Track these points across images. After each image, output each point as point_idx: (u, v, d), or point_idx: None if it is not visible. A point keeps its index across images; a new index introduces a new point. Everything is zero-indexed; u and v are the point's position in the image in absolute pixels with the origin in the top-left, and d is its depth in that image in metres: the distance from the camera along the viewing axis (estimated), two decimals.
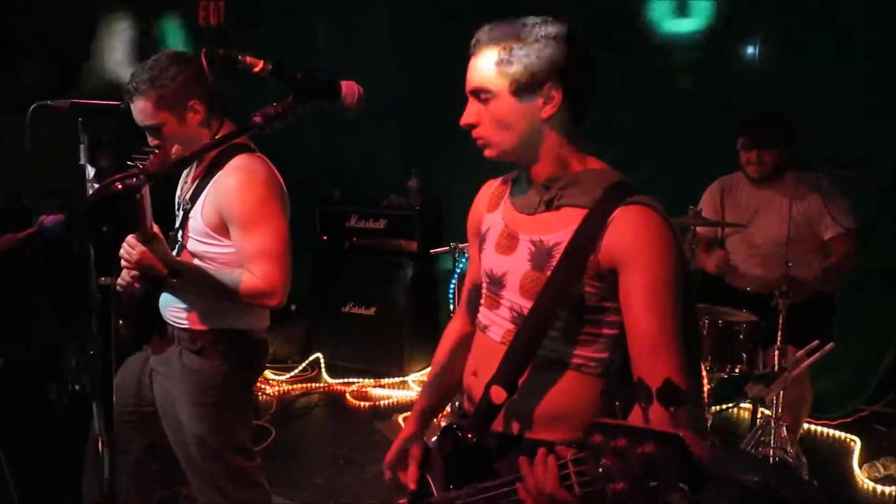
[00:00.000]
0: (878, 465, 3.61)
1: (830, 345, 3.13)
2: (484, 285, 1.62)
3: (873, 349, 4.19)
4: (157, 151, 2.10)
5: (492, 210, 1.64)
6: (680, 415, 1.18)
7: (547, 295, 1.45)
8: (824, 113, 3.99)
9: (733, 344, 3.32)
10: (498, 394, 1.45)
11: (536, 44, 1.42)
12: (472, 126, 1.51)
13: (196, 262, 2.19)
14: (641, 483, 0.97)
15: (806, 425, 3.91)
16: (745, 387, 3.25)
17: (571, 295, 1.44)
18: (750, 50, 4.42)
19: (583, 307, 1.45)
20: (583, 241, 1.42)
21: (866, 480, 3.56)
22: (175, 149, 1.96)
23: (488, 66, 1.45)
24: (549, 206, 1.49)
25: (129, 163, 2.10)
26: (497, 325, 1.55)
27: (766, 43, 4.34)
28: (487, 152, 1.52)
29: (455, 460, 1.55)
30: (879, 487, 3.49)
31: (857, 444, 3.93)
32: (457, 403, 3.38)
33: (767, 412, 3.35)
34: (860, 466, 3.68)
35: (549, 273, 1.45)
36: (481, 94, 1.47)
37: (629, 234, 1.40)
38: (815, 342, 3.14)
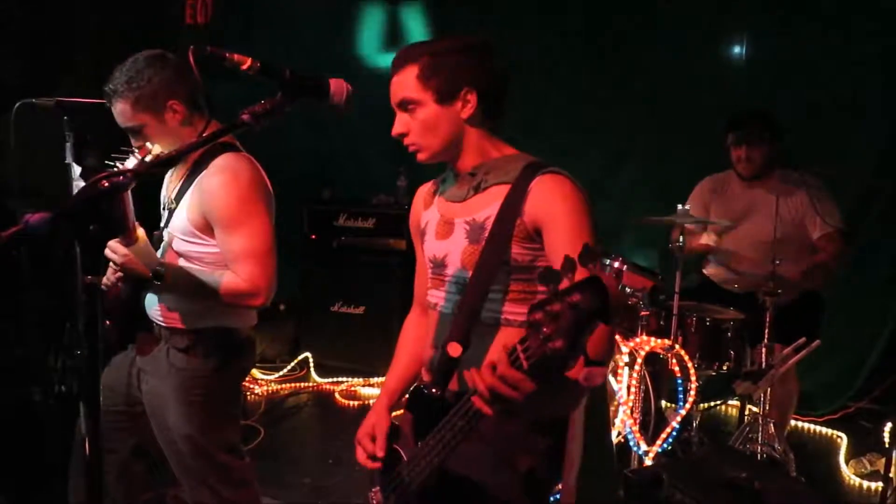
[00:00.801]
0: (865, 461, 3.64)
1: (817, 342, 3.15)
2: (429, 271, 1.80)
3: (859, 346, 4.23)
4: (137, 151, 2.10)
5: (427, 207, 1.85)
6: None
7: (484, 260, 1.64)
8: (809, 111, 4.02)
9: (721, 342, 3.34)
10: (454, 348, 1.59)
11: (451, 56, 1.64)
12: (403, 135, 1.69)
13: (181, 261, 2.19)
14: (573, 331, 1.10)
15: (793, 422, 3.94)
16: (733, 384, 3.27)
17: (505, 258, 1.63)
18: (737, 49, 4.45)
19: (516, 268, 1.64)
20: (509, 210, 1.63)
21: (853, 476, 3.59)
22: (144, 148, 1.97)
23: (410, 80, 1.65)
24: (477, 189, 1.70)
25: (108, 163, 2.09)
26: (446, 299, 1.74)
27: (752, 41, 4.37)
28: (420, 156, 1.71)
29: (421, 419, 1.67)
30: (865, 483, 3.52)
31: (843, 441, 3.96)
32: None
33: (755, 409, 3.37)
34: (847, 462, 3.71)
35: (483, 243, 1.65)
36: (409, 105, 1.66)
37: (547, 195, 1.61)
38: (802, 339, 3.17)
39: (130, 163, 2.06)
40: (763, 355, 3.23)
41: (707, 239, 3.66)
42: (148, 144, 2.09)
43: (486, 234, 1.65)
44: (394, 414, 1.86)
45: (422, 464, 1.61)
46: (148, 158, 2.04)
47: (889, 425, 3.46)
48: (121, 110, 2.12)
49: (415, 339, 1.93)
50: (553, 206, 1.60)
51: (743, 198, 3.66)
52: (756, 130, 3.54)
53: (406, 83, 1.65)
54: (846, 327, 4.09)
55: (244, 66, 1.42)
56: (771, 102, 3.87)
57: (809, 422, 4.18)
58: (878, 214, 4.11)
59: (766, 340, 3.24)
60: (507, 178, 1.66)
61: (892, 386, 3.66)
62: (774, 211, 3.33)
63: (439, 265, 1.76)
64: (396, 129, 1.69)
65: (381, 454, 1.76)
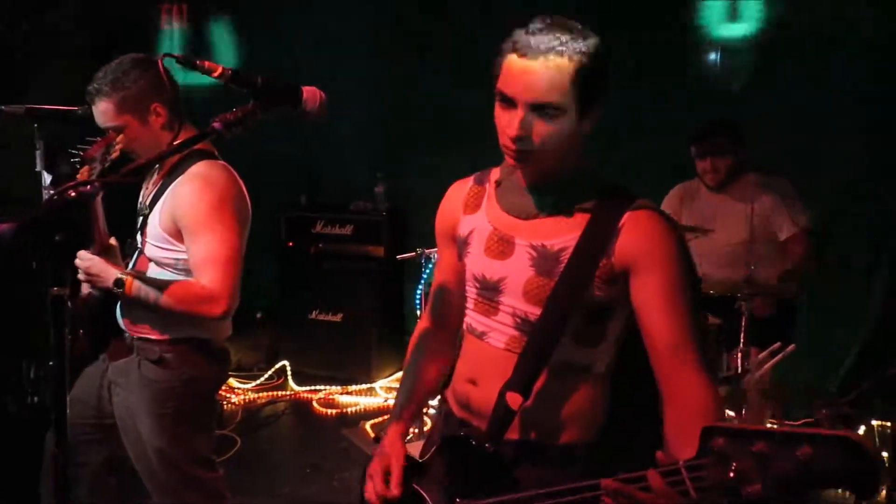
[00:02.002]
0: None
1: (792, 346, 3.18)
2: (472, 290, 1.57)
3: (836, 350, 4.27)
4: (97, 139, 2.08)
5: (471, 212, 1.59)
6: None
7: (558, 300, 1.43)
8: (784, 116, 4.07)
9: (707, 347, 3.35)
10: (514, 399, 1.43)
11: (605, 63, 1.39)
12: (522, 139, 1.39)
13: (152, 266, 2.17)
14: (792, 488, 0.98)
15: (769, 426, 3.96)
16: None
17: (583, 299, 1.43)
18: (711, 55, 4.49)
19: (594, 311, 1.45)
20: (592, 245, 1.42)
21: None
22: (120, 138, 1.96)
23: (559, 82, 1.35)
24: (553, 211, 1.47)
25: (72, 151, 2.07)
26: (497, 331, 1.51)
27: (727, 48, 4.42)
28: (527, 168, 1.45)
29: (461, 470, 1.49)
30: None
31: (881, 482, 3.97)
32: (435, 412, 3.33)
33: (731, 413, 3.39)
34: None
35: (557, 278, 1.43)
36: (549, 110, 1.37)
37: (644, 238, 1.41)
38: (777, 344, 3.19)
39: (93, 151, 2.05)
40: (739, 360, 3.25)
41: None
42: (112, 134, 2.08)
43: (561, 269, 1.43)
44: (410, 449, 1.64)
45: None
46: (112, 149, 2.03)
47: (863, 428, 3.49)
48: (104, 110, 2.11)
49: (430, 360, 1.72)
50: (653, 253, 1.40)
51: (712, 205, 3.68)
52: (718, 141, 3.55)
53: (555, 84, 1.35)
54: (822, 332, 4.13)
55: (215, 74, 1.41)
56: (742, 105, 3.91)
57: (786, 426, 4.21)
58: (852, 218, 4.16)
59: (741, 345, 3.26)
60: (587, 206, 1.44)
61: (867, 390, 3.70)
62: (745, 216, 3.35)
63: (491, 289, 1.51)
64: (517, 130, 1.37)
65: (396, 492, 1.53)
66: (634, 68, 4.28)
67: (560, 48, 1.34)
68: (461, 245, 1.59)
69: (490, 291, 1.52)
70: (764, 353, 3.21)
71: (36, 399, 3.27)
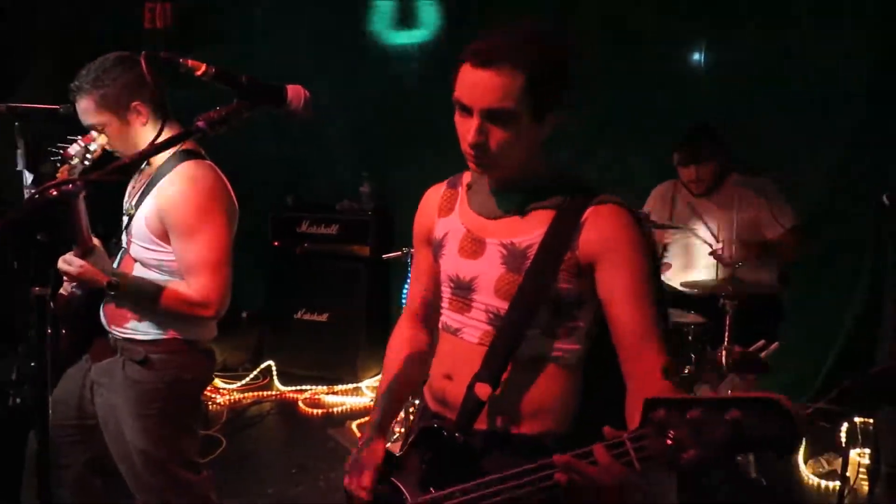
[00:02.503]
0: (823, 460, 3.70)
1: (775, 344, 3.20)
2: (447, 290, 1.61)
3: (818, 348, 4.30)
4: (78, 138, 2.07)
5: (445, 215, 1.63)
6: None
7: (524, 294, 1.48)
8: (767, 116, 4.09)
9: (682, 345, 3.37)
10: (483, 390, 1.47)
11: (561, 65, 1.42)
12: (480, 146, 1.43)
13: (138, 267, 2.15)
14: (723, 450, 1.03)
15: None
16: (694, 387, 3.30)
17: (549, 293, 1.47)
18: (695, 55, 4.51)
19: (560, 303, 1.49)
20: (557, 240, 1.46)
21: (811, 476, 3.65)
22: (100, 137, 1.95)
23: (514, 87, 1.37)
24: (519, 210, 1.51)
25: (52, 150, 2.06)
26: (471, 327, 1.56)
27: (711, 47, 4.44)
28: (490, 173, 1.50)
29: (435, 461, 1.54)
30: (823, 483, 3.58)
31: (802, 441, 4.02)
32: (411, 409, 3.38)
33: None
34: (805, 462, 3.77)
35: (524, 273, 1.48)
36: (501, 116, 1.40)
37: (607, 230, 1.45)
38: (761, 342, 3.21)
39: (74, 149, 2.03)
40: (723, 358, 3.27)
41: (667, 237, 3.70)
42: (93, 133, 2.07)
43: (528, 265, 1.48)
44: (388, 445, 1.72)
45: None
46: (92, 146, 2.02)
47: (845, 425, 3.52)
48: (84, 107, 2.11)
49: (408, 357, 1.77)
50: (616, 245, 1.44)
51: (693, 207, 3.69)
52: (701, 149, 3.55)
53: (507, 91, 1.38)
54: (804, 329, 4.16)
55: (199, 72, 1.40)
56: (728, 108, 3.92)
57: None
58: (835, 219, 4.19)
59: (726, 343, 3.28)
60: (552, 202, 1.49)
61: (849, 387, 3.73)
62: (730, 220, 3.37)
63: (465, 287, 1.56)
64: (475, 137, 1.41)
65: (367, 484, 1.62)
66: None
67: (512, 56, 1.37)
68: (437, 247, 1.63)
69: (464, 290, 1.57)
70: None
71: (18, 400, 3.24)
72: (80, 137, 2.08)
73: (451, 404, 1.57)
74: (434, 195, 1.69)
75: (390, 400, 1.76)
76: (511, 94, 1.38)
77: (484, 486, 1.36)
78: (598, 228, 1.45)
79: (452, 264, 1.59)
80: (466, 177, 1.64)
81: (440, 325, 1.65)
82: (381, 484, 1.63)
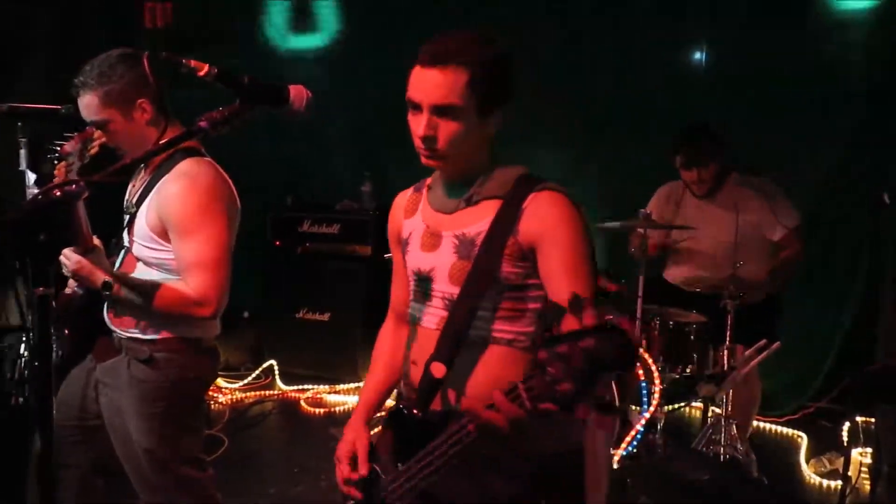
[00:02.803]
0: (825, 460, 3.71)
1: (777, 344, 3.20)
2: (412, 283, 1.73)
3: (818, 347, 4.31)
4: (75, 135, 2.06)
5: (410, 216, 1.76)
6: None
7: (473, 278, 1.58)
8: (767, 116, 4.09)
9: (684, 344, 3.37)
10: (437, 369, 1.57)
11: (503, 65, 1.55)
12: (430, 139, 1.55)
13: (140, 266, 2.15)
14: (585, 376, 1.13)
15: (755, 422, 3.99)
16: (697, 386, 3.30)
17: (496, 276, 1.57)
18: (696, 55, 4.51)
19: (506, 286, 1.58)
20: (501, 226, 1.57)
21: (813, 475, 3.65)
22: (98, 134, 1.95)
23: (459, 84, 1.50)
24: (469, 202, 1.62)
25: (50, 146, 2.05)
26: (430, 314, 1.67)
27: (710, 48, 4.44)
28: (441, 166, 1.62)
29: (401, 439, 1.64)
30: (825, 482, 3.58)
31: (804, 440, 4.02)
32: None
33: (718, 410, 3.42)
34: (807, 462, 3.77)
35: (473, 260, 1.59)
36: (448, 111, 1.52)
37: (543, 214, 1.55)
38: (763, 341, 3.21)
39: (70, 146, 2.03)
40: (725, 357, 3.28)
41: (657, 240, 3.71)
42: (89, 129, 2.06)
43: (476, 251, 1.58)
44: (372, 432, 1.80)
45: (404, 486, 1.57)
46: (90, 144, 2.01)
47: (847, 424, 3.52)
48: (88, 103, 2.10)
49: (391, 351, 1.88)
50: (550, 227, 1.54)
51: (698, 211, 3.70)
52: (702, 150, 3.55)
53: (452, 88, 1.50)
54: (805, 329, 4.16)
55: (201, 73, 1.41)
56: (728, 108, 3.92)
57: (771, 422, 4.24)
58: (835, 219, 4.19)
59: (728, 343, 3.28)
60: (499, 193, 1.60)
61: (850, 386, 3.73)
62: (732, 221, 3.36)
63: (424, 279, 1.68)
64: (424, 130, 1.54)
65: (363, 472, 1.71)
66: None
67: (457, 57, 1.50)
68: (404, 246, 1.76)
69: (424, 281, 1.69)
70: (750, 351, 3.24)
71: (21, 400, 3.24)
72: (76, 134, 2.07)
73: (414, 386, 1.67)
74: (401, 200, 1.82)
75: (373, 389, 1.89)
76: (456, 90, 1.50)
77: (430, 453, 1.49)
78: (537, 213, 1.55)
79: (415, 259, 1.71)
80: (429, 181, 1.75)
81: (408, 317, 1.76)
82: (364, 470, 1.73)
